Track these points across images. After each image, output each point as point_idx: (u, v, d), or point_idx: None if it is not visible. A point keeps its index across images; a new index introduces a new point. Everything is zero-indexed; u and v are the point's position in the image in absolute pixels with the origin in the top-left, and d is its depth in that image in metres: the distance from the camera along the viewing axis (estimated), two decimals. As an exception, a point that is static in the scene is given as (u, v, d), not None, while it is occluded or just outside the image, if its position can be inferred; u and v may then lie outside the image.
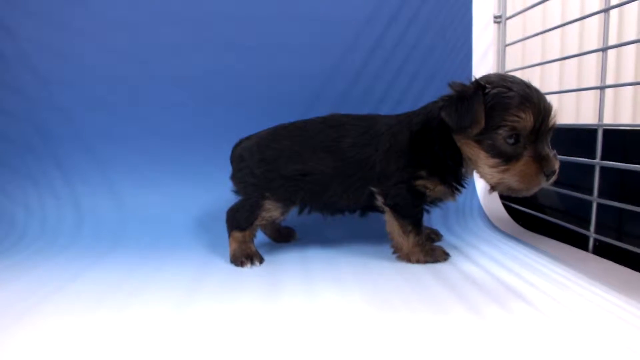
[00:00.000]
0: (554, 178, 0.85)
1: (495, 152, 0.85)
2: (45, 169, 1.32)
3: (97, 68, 1.30)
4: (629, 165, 0.91)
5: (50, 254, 1.09)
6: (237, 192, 1.08)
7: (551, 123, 0.86)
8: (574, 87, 1.66)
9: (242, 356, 0.61)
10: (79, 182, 1.32)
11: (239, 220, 1.03)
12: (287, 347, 0.63)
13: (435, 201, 1.03)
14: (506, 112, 0.82)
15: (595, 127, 1.00)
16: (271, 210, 1.03)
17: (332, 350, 0.62)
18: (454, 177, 0.97)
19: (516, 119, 0.82)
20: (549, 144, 0.86)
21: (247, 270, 0.97)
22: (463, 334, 0.65)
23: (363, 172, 1.00)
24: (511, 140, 0.83)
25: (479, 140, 0.86)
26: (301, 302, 0.78)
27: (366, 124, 1.03)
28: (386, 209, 1.00)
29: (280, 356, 0.60)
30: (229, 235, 1.05)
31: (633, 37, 1.63)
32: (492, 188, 0.90)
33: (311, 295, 0.81)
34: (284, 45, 1.33)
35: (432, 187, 0.97)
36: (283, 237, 1.20)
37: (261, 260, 1.01)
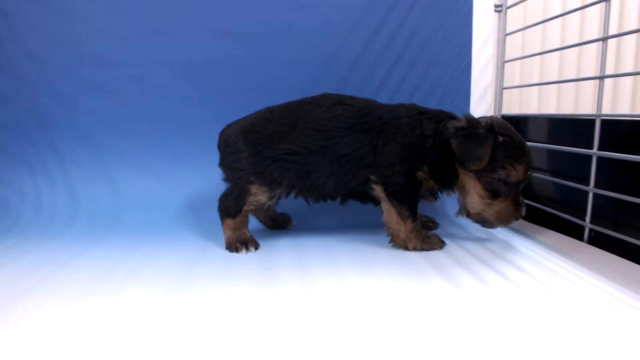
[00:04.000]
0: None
1: (488, 188, 0.96)
2: (40, 154, 1.32)
3: (94, 53, 1.29)
4: (625, 155, 0.90)
5: (45, 238, 1.09)
6: (225, 179, 1.08)
7: (529, 174, 0.98)
8: (574, 77, 1.66)
9: (236, 342, 0.60)
10: (74, 167, 1.32)
11: (229, 206, 1.03)
12: (282, 333, 0.63)
13: (432, 193, 1.05)
14: (508, 160, 0.94)
15: (594, 118, 0.99)
16: (258, 195, 1.03)
17: (328, 336, 0.62)
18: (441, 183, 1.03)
19: (513, 169, 0.94)
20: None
21: (243, 256, 0.97)
22: (458, 322, 0.65)
23: (354, 154, 1.00)
24: (502, 183, 0.95)
25: (477, 174, 0.96)
26: (296, 288, 0.78)
27: (359, 106, 1.03)
28: (383, 196, 1.00)
29: (275, 342, 0.60)
30: (222, 223, 1.04)
31: (633, 27, 1.62)
32: (468, 215, 1.01)
33: (306, 281, 0.81)
34: (283, 32, 1.32)
35: (428, 180, 1.00)
36: (279, 224, 1.20)
37: (256, 246, 1.01)
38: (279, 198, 1.07)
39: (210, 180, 1.27)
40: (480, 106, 1.40)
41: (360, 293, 0.76)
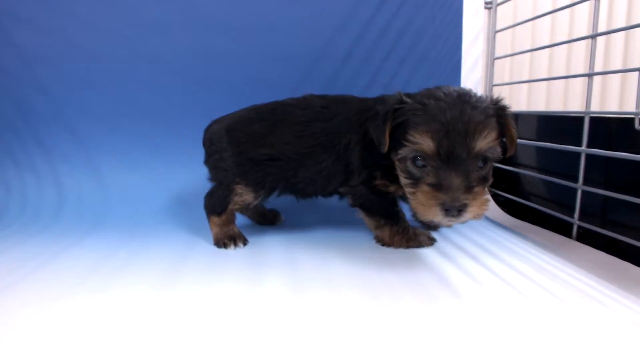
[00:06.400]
0: (467, 215, 0.74)
1: (406, 173, 0.81)
2: (25, 148, 1.30)
3: (81, 46, 1.28)
4: (613, 152, 0.91)
5: (31, 233, 1.07)
6: (211, 178, 1.06)
7: (474, 148, 0.75)
8: (563, 74, 1.66)
9: (222, 339, 0.60)
10: (60, 161, 1.30)
11: (214, 204, 1.02)
12: (269, 330, 0.62)
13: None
14: (407, 132, 0.77)
15: (582, 115, 0.99)
16: (243, 195, 1.01)
17: (316, 332, 0.61)
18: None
19: (414, 139, 0.76)
20: (472, 173, 0.75)
21: (231, 252, 0.96)
22: (446, 318, 0.65)
23: (330, 160, 0.96)
24: (419, 163, 0.78)
25: (398, 158, 0.82)
26: (284, 284, 0.77)
27: (336, 109, 0.98)
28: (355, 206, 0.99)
29: (262, 339, 0.60)
30: (209, 220, 1.03)
31: (622, 25, 1.63)
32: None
33: (294, 278, 0.80)
34: (272, 26, 1.31)
35: (394, 189, 0.92)
36: (268, 220, 1.20)
37: (245, 242, 1.00)
38: (265, 197, 1.05)
39: (198, 175, 1.25)
40: (470, 103, 1.40)
41: (348, 292, 0.75)
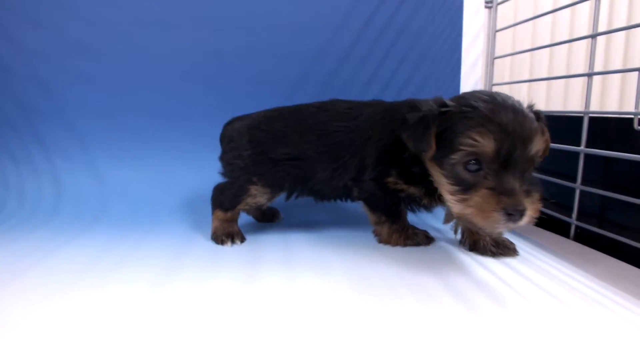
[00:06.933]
0: (525, 219, 0.71)
1: (454, 179, 0.76)
2: (24, 143, 1.30)
3: (79, 41, 1.27)
4: (612, 152, 0.91)
5: (28, 229, 1.07)
6: (224, 174, 1.05)
7: (530, 151, 0.73)
8: (563, 74, 1.66)
9: (219, 335, 0.60)
10: (58, 157, 1.30)
11: (223, 201, 1.02)
12: (264, 328, 0.62)
13: (418, 201, 0.95)
14: (463, 134, 0.74)
15: (582, 115, 0.99)
16: (257, 197, 1.01)
17: (311, 328, 0.61)
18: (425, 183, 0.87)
19: (472, 142, 0.72)
20: (526, 177, 0.73)
21: (228, 249, 0.96)
22: (444, 318, 0.65)
23: (347, 157, 0.97)
24: (472, 167, 0.74)
25: (440, 163, 0.78)
26: (280, 282, 0.77)
27: (360, 110, 0.98)
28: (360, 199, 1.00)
29: (258, 334, 0.60)
30: (212, 212, 1.03)
31: (623, 25, 1.63)
32: (457, 218, 0.84)
33: (291, 276, 0.80)
34: (272, 24, 1.31)
35: (405, 188, 0.92)
36: (267, 218, 1.20)
37: (242, 240, 1.00)
38: (278, 196, 1.04)
39: (197, 171, 1.27)
40: (470, 102, 1.40)
41: (345, 290, 0.75)
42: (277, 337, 0.59)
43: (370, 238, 1.02)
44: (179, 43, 1.29)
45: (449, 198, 0.78)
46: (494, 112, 0.73)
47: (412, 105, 0.82)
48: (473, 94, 0.79)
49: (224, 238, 0.99)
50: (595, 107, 1.65)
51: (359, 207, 1.07)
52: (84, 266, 0.84)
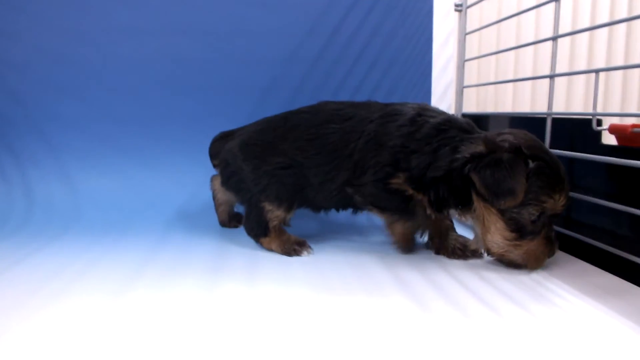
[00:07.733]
0: None
1: (515, 227, 0.80)
2: (-6, 152, 1.27)
3: (49, 49, 1.26)
4: (574, 153, 0.93)
5: (-3, 238, 1.05)
6: (239, 202, 1.03)
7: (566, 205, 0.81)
8: (529, 75, 1.70)
9: (175, 344, 0.60)
10: (30, 165, 1.28)
11: (254, 228, 0.99)
12: (222, 335, 0.62)
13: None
14: (543, 190, 0.78)
15: (545, 116, 1.02)
16: (274, 211, 0.97)
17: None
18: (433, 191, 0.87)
19: (550, 200, 0.78)
20: None
21: (191, 257, 0.93)
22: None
23: (341, 159, 0.93)
24: (534, 218, 0.79)
25: (502, 210, 0.80)
26: (241, 289, 0.77)
27: (353, 111, 0.96)
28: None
29: (216, 343, 0.60)
30: (258, 242, 1.00)
31: (586, 26, 1.67)
32: (489, 252, 0.86)
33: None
34: (242, 30, 1.31)
35: (415, 195, 0.89)
36: (234, 222, 1.17)
37: (308, 247, 0.96)
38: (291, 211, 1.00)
39: (169, 179, 1.26)
40: (442, 105, 1.42)
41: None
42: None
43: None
44: (151, 51, 1.29)
45: (499, 241, 0.82)
46: (559, 169, 0.80)
47: (487, 141, 0.82)
48: (533, 144, 0.81)
49: (296, 248, 0.95)
50: (560, 108, 1.69)
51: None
52: (46, 275, 0.82)
